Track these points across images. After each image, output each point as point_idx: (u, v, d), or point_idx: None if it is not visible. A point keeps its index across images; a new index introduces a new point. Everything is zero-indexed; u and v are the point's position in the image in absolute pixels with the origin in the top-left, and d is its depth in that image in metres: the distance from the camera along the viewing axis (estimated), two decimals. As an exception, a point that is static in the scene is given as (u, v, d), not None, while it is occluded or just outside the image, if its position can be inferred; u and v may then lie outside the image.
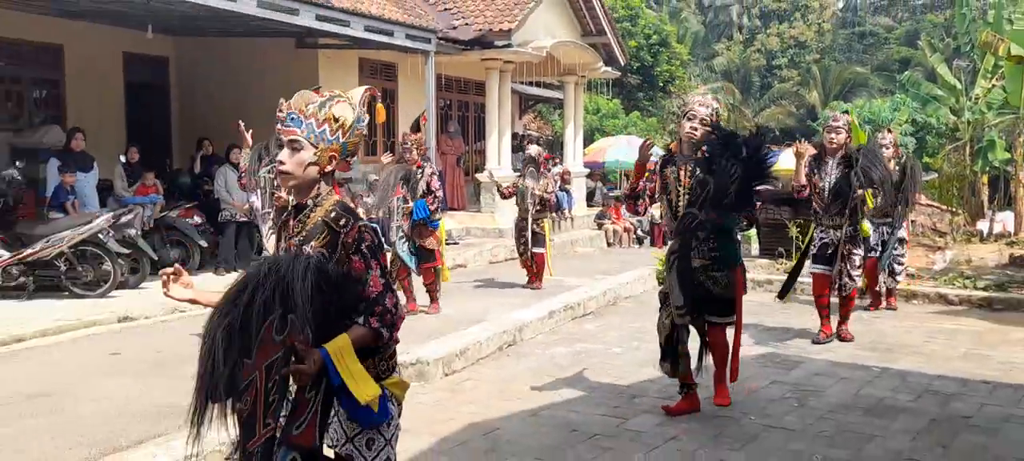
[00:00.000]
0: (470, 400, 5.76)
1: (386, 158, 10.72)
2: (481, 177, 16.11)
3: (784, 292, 7.42)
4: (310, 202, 2.71)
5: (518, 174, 10.95)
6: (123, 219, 9.45)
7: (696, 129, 5.13)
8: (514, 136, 17.11)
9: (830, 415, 5.44)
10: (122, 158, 11.40)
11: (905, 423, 5.26)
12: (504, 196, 10.48)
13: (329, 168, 2.70)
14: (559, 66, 17.87)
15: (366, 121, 2.79)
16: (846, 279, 7.20)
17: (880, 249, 8.56)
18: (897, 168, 8.39)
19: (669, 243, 5.44)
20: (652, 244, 17.73)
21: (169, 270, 2.78)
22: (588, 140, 23.13)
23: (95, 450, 4.67)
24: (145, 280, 9.60)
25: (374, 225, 2.72)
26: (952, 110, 18.18)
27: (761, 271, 10.93)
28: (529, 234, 10.10)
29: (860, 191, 6.88)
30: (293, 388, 2.58)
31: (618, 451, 4.74)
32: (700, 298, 5.24)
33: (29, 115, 12.19)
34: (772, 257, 11.95)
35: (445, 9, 16.16)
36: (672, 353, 5.31)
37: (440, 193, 8.75)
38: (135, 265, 9.62)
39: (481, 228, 15.24)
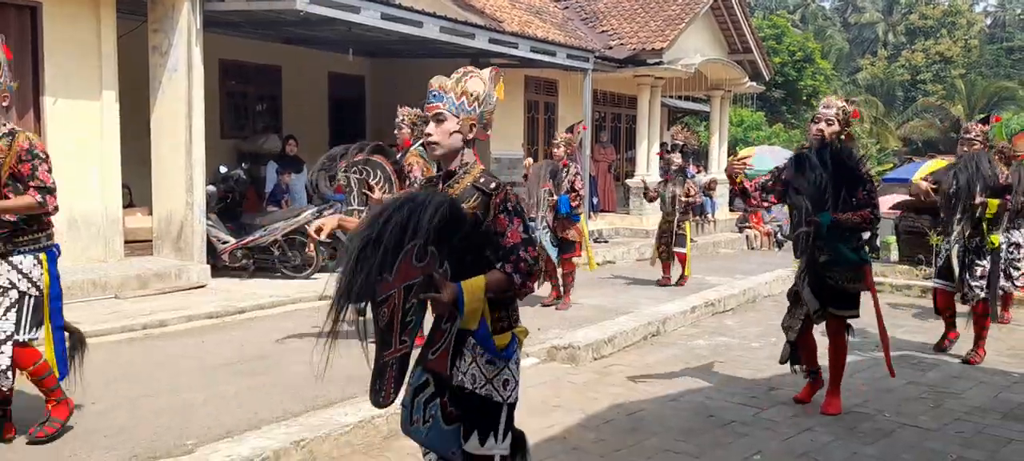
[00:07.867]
0: (616, 383, 5.72)
1: (528, 161, 10.83)
2: (631, 182, 15.98)
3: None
4: (459, 169, 2.79)
5: (660, 181, 10.76)
6: (325, 213, 9.99)
7: (822, 130, 4.81)
8: (662, 145, 16.86)
9: (967, 417, 5.02)
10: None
11: (1047, 430, 4.79)
12: (649, 199, 10.34)
13: (470, 136, 2.79)
14: (706, 81, 17.43)
15: (495, 99, 2.88)
16: (966, 289, 6.30)
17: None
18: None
19: (799, 257, 5.14)
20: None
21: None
22: (731, 150, 22.41)
23: (302, 406, 4.91)
24: (342, 265, 10.11)
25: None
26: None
27: (900, 277, 10.23)
28: (672, 235, 9.89)
29: (980, 199, 6.04)
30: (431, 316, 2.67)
31: (753, 438, 4.57)
32: (825, 292, 4.95)
33: (253, 124, 13.14)
34: (912, 264, 11.12)
35: (602, 31, 16.12)
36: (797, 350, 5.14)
37: (583, 191, 8.58)
38: (333, 252, 10.16)
39: (630, 228, 15.13)
